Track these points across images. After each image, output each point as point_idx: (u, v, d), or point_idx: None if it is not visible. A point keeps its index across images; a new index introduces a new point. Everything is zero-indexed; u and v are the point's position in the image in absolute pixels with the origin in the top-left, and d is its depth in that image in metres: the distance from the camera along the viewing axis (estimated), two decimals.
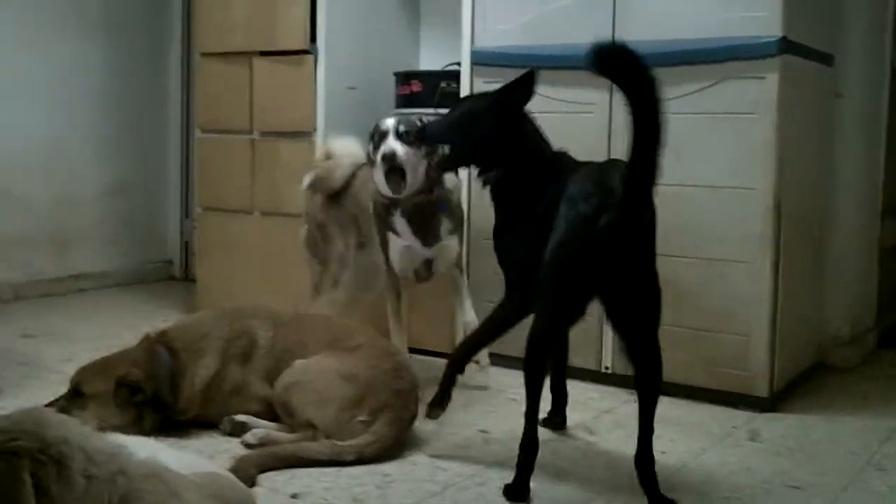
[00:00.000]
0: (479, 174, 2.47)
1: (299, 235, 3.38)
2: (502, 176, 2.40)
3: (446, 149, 2.61)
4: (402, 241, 2.98)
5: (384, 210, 2.99)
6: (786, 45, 2.83)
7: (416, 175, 2.86)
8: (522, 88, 2.43)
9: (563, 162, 2.39)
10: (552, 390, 2.68)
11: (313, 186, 3.28)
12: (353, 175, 3.24)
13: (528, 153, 2.39)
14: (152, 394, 2.42)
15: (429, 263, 3.06)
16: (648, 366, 2.14)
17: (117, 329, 3.86)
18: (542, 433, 2.33)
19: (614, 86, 2.98)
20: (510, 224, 2.40)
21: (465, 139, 2.46)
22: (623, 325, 2.14)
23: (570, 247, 2.06)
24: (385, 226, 3.01)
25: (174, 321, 2.84)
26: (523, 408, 2.18)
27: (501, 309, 2.45)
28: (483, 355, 3.03)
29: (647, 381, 2.16)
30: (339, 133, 3.55)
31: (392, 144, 2.84)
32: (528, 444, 2.18)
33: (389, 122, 2.90)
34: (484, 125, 2.41)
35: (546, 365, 2.23)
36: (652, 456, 2.16)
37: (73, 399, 2.43)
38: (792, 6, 2.84)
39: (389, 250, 3.02)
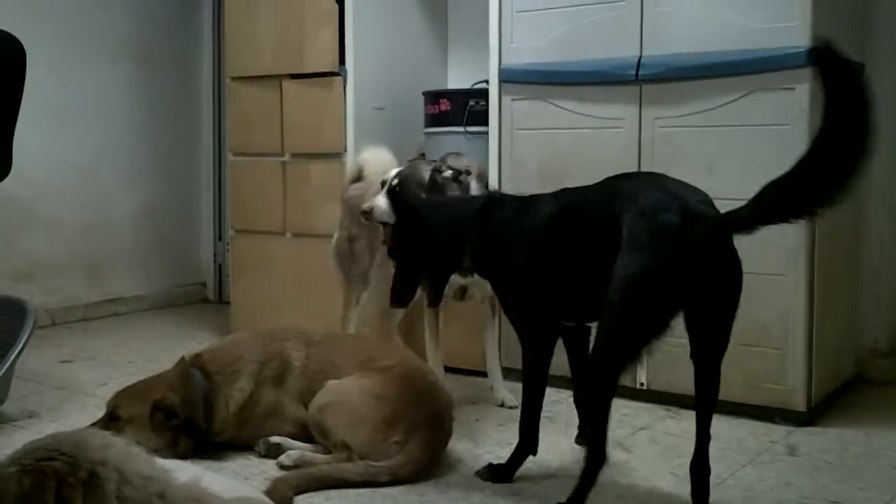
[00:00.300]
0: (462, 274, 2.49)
1: (331, 242, 3.34)
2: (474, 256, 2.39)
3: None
4: None
5: None
6: None
7: None
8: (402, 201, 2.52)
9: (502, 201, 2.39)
10: (579, 403, 2.63)
11: (348, 206, 3.26)
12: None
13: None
14: (185, 418, 2.43)
15: (464, 290, 3.07)
16: (713, 371, 2.13)
17: (153, 352, 3.90)
18: (577, 450, 2.31)
19: (644, 100, 3.04)
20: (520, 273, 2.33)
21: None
22: (701, 335, 2.11)
23: (660, 264, 1.96)
24: None
25: (208, 344, 2.86)
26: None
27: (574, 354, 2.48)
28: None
29: (710, 389, 2.14)
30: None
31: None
32: (593, 469, 2.12)
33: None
34: (415, 248, 2.43)
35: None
36: (708, 464, 2.13)
37: (110, 423, 2.45)
38: (821, 16, 2.82)
39: None
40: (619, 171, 2.87)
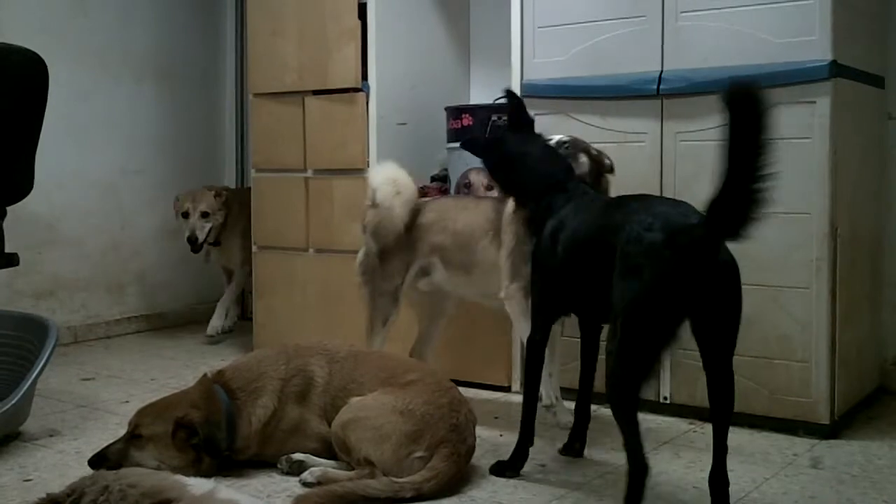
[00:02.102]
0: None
1: (358, 256, 3.24)
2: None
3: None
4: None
5: None
6: (836, 69, 2.80)
7: None
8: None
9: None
10: (576, 414, 2.75)
11: (364, 228, 3.18)
12: (413, 211, 3.14)
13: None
14: (207, 437, 2.44)
15: None
16: (726, 379, 2.16)
17: (175, 369, 3.93)
18: (603, 465, 2.31)
19: (665, 114, 3.05)
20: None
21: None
22: (708, 341, 2.15)
23: (656, 281, 2.02)
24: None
25: (231, 361, 2.87)
26: None
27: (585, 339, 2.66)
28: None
29: (723, 396, 2.17)
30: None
31: None
32: (638, 481, 2.10)
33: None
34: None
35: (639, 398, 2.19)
36: (727, 476, 2.16)
37: (132, 441, 2.46)
38: (842, 30, 2.82)
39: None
40: (644, 185, 2.91)
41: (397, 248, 3.13)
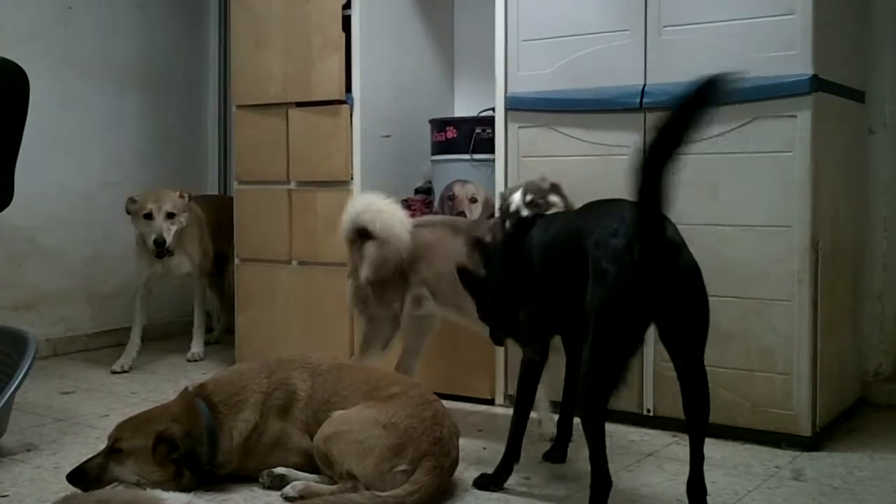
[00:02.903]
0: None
1: (347, 290, 3.20)
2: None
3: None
4: None
5: None
6: (817, 84, 2.82)
7: None
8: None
9: None
10: (559, 425, 2.78)
11: (363, 259, 3.09)
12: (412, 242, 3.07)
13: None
14: (188, 451, 2.42)
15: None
16: (698, 385, 2.19)
17: (156, 383, 3.91)
18: (587, 479, 2.30)
19: (648, 128, 3.06)
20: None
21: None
22: (675, 345, 2.18)
23: (620, 286, 2.06)
24: None
25: (213, 374, 2.85)
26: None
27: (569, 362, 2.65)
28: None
29: (697, 402, 2.20)
30: (372, 184, 3.61)
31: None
32: (599, 494, 2.15)
33: (516, 196, 2.82)
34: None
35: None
36: (704, 484, 2.20)
37: (112, 455, 2.43)
38: (822, 44, 2.85)
39: None
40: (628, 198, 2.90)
41: (391, 279, 3.09)
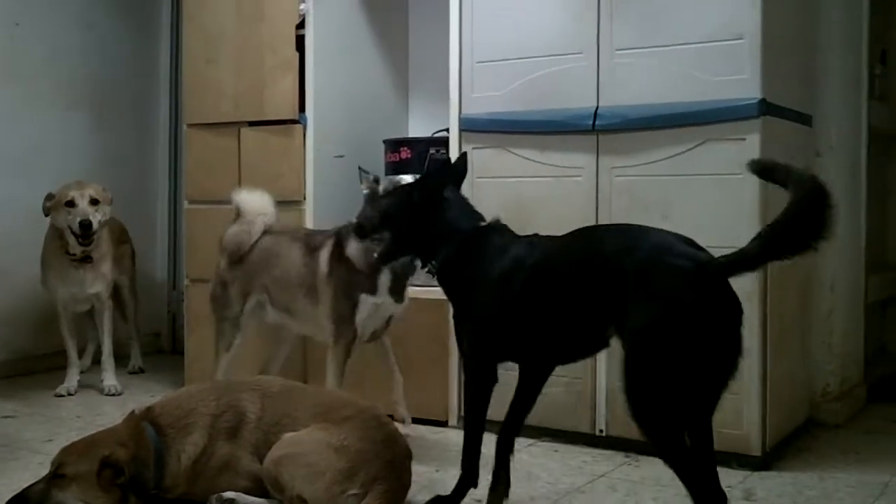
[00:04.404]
0: (423, 266, 2.53)
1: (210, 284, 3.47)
2: (445, 262, 2.42)
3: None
4: (375, 299, 3.09)
5: (371, 270, 3.04)
6: (766, 107, 2.87)
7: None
8: (440, 174, 2.49)
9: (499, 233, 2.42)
10: (498, 455, 2.49)
11: (221, 248, 3.41)
12: (259, 238, 3.36)
13: (454, 234, 2.41)
14: (133, 476, 2.36)
15: (388, 320, 3.19)
16: (709, 425, 2.14)
17: (102, 406, 3.82)
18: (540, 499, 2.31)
19: (600, 150, 3.08)
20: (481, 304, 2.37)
21: (394, 231, 2.50)
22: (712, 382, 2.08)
23: (682, 303, 1.99)
24: (359, 287, 3.07)
25: (161, 396, 2.80)
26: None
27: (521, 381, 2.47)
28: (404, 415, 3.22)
29: (708, 441, 2.15)
30: (325, 204, 3.59)
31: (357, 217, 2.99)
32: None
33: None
34: (407, 215, 2.46)
35: None
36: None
37: (55, 481, 2.36)
38: (771, 69, 2.89)
39: (358, 310, 3.08)
40: (581, 219, 2.93)
41: (234, 278, 3.34)
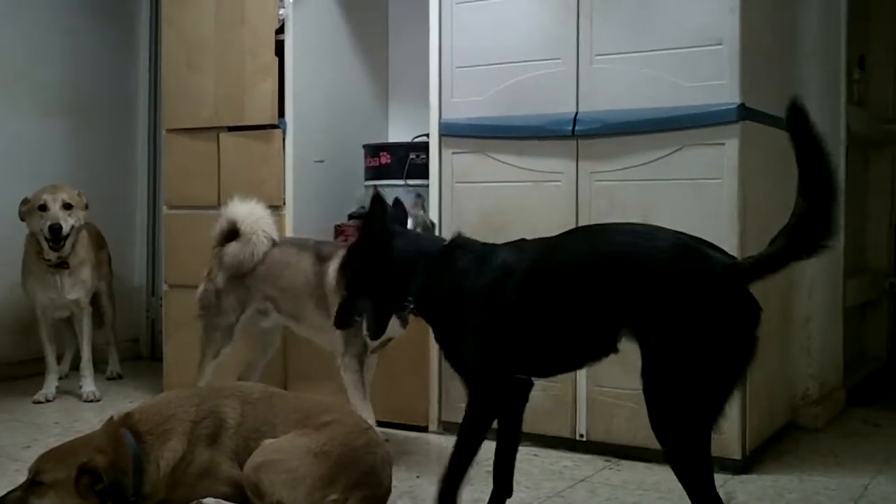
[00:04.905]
0: (400, 310, 2.36)
1: (198, 289, 3.40)
2: (420, 291, 2.29)
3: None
4: None
5: None
6: (745, 112, 2.88)
7: None
8: (379, 212, 2.33)
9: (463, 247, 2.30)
10: (496, 477, 2.41)
11: (220, 261, 3.32)
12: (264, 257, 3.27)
13: (418, 261, 2.28)
14: (111, 483, 2.34)
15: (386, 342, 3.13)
16: None
17: (81, 412, 3.80)
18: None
19: (580, 155, 3.09)
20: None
21: (357, 287, 2.36)
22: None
23: (716, 304, 1.97)
24: None
25: (140, 403, 2.78)
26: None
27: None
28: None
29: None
30: (305, 209, 3.58)
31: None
32: None
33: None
34: (364, 265, 2.33)
35: None
36: None
37: (32, 488, 2.33)
38: (750, 74, 2.91)
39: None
40: (561, 224, 2.92)
41: (232, 288, 3.29)
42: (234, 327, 3.32)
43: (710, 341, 1.94)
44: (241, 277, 3.27)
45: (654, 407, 1.97)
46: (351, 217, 3.91)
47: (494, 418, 2.26)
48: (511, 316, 2.15)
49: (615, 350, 2.10)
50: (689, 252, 1.99)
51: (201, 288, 3.38)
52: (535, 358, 2.21)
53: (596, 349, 2.13)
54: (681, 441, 1.97)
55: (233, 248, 3.28)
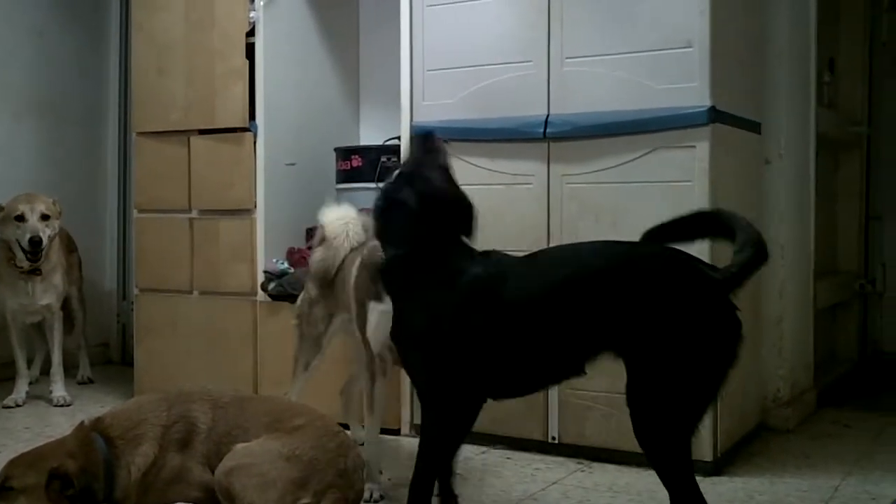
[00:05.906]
0: None
1: (298, 298, 3.21)
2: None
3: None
4: (383, 307, 2.62)
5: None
6: (715, 115, 2.90)
7: None
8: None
9: None
10: (441, 490, 2.47)
11: (312, 269, 3.13)
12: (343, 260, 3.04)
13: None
14: (82, 488, 2.32)
15: None
16: None
17: (51, 417, 3.76)
18: None
19: (551, 157, 3.10)
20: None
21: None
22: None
23: (716, 315, 2.05)
24: (369, 293, 2.76)
25: (111, 407, 2.76)
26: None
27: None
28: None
29: None
30: (277, 212, 3.56)
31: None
32: None
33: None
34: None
35: None
36: None
37: (2, 493, 2.31)
38: (720, 76, 2.93)
39: (368, 322, 2.76)
40: (533, 225, 2.92)
41: (322, 297, 3.07)
42: (323, 338, 3.10)
43: (702, 352, 2.00)
44: (329, 285, 3.06)
45: (642, 416, 2.01)
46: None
47: (464, 435, 2.26)
48: (487, 339, 2.13)
49: (584, 372, 2.15)
50: (674, 267, 2.04)
51: (299, 297, 3.21)
52: (501, 381, 2.20)
53: (566, 372, 2.18)
54: (668, 448, 2.02)
55: (318, 254, 3.09)
